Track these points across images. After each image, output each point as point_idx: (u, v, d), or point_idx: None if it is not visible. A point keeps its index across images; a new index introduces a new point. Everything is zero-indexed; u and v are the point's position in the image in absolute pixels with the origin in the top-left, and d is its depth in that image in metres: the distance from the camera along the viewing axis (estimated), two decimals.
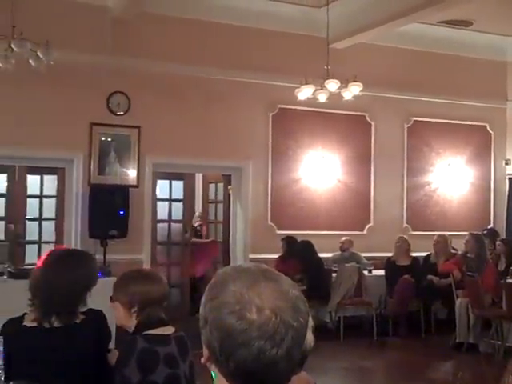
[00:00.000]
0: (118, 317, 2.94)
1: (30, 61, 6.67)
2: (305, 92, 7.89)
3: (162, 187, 9.55)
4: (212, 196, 9.82)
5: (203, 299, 1.30)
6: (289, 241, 8.97)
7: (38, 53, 6.56)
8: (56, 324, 2.92)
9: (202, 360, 1.32)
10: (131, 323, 2.88)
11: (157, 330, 2.80)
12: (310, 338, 2.10)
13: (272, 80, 9.27)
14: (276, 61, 9.28)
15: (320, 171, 9.81)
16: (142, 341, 2.73)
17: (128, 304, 2.87)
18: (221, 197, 10.33)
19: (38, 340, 2.89)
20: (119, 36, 8.57)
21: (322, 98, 7.97)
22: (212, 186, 10.39)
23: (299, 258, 8.75)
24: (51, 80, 7.87)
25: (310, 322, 2.08)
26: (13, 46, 6.38)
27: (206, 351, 1.30)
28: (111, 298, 2.95)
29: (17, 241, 8.61)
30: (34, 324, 2.92)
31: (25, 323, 2.95)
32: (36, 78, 7.55)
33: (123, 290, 2.90)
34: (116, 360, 2.79)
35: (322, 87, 7.86)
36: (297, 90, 7.99)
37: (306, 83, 7.81)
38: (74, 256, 3.25)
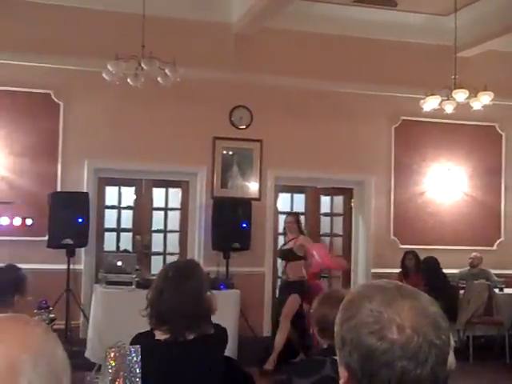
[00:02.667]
0: None
1: (159, 79, 6.91)
2: (430, 103, 7.64)
3: (284, 200, 9.55)
4: (326, 209, 9.69)
5: (338, 319, 1.27)
6: (415, 255, 8.70)
7: (166, 71, 6.79)
8: (190, 336, 2.90)
9: (341, 382, 1.28)
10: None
11: None
12: (451, 358, 1.97)
13: (395, 91, 9.09)
14: (399, 72, 9.06)
15: (445, 184, 9.50)
16: (330, 367, 2.56)
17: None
18: (337, 210, 10.11)
19: (174, 353, 2.88)
20: (242, 51, 8.70)
21: (449, 108, 7.67)
22: (326, 199, 10.20)
23: (424, 273, 8.45)
24: (176, 96, 8.11)
25: (451, 342, 1.96)
26: (143, 65, 6.64)
27: (344, 373, 1.26)
28: None
29: (143, 252, 8.89)
30: (166, 336, 2.91)
31: (157, 337, 2.96)
32: (162, 95, 7.82)
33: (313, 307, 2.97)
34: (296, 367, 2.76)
35: (449, 97, 7.56)
36: (421, 101, 7.75)
37: (432, 94, 7.56)
38: (188, 265, 3.22)
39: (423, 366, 1.17)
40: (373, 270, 9.11)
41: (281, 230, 9.49)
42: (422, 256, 8.62)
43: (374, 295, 1.24)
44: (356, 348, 1.20)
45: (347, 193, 9.70)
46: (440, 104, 7.67)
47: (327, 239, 9.71)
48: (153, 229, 9.08)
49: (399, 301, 1.21)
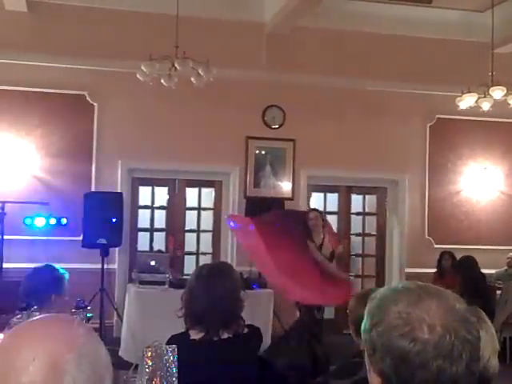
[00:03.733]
0: None
1: (192, 79, 6.93)
2: (467, 101, 7.53)
3: (317, 200, 9.50)
4: (359, 208, 9.61)
5: (365, 326, 1.25)
6: (452, 255, 8.57)
7: (199, 71, 6.80)
8: (224, 335, 2.91)
9: None
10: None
11: None
12: (494, 363, 1.93)
13: (430, 90, 8.99)
14: (435, 69, 8.95)
15: (481, 183, 9.36)
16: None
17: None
18: (369, 209, 10.01)
19: (209, 352, 2.89)
20: (274, 50, 8.68)
21: (486, 106, 7.55)
22: (358, 198, 10.10)
23: (461, 273, 8.31)
24: (209, 96, 8.13)
25: (496, 347, 1.91)
26: (176, 65, 6.67)
27: (377, 380, 1.23)
28: None
29: (176, 252, 8.91)
30: (201, 336, 2.92)
31: (192, 337, 2.97)
32: (196, 95, 7.84)
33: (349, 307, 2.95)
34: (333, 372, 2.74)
35: (486, 95, 7.44)
36: (458, 98, 7.64)
37: (469, 91, 7.44)
38: (222, 267, 3.24)
39: (458, 363, 1.16)
40: (407, 270, 9.02)
41: None
42: (458, 256, 8.49)
43: (399, 297, 1.22)
44: (388, 352, 1.18)
45: (381, 192, 9.61)
46: (477, 101, 7.56)
47: (359, 238, 9.63)
48: (186, 228, 9.11)
49: (425, 300, 1.20)
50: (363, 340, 1.25)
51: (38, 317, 1.13)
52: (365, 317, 1.26)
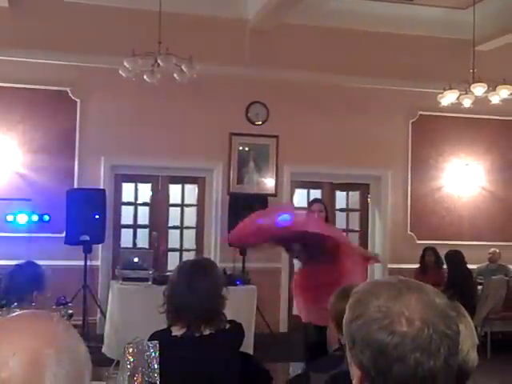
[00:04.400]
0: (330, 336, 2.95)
1: (175, 75, 6.92)
2: (448, 97, 7.59)
3: (300, 196, 9.53)
4: (343, 204, 9.66)
5: (346, 319, 1.26)
6: (435, 251, 8.63)
7: (183, 67, 6.80)
8: (206, 332, 2.91)
9: (354, 381, 1.26)
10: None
11: None
12: (473, 356, 1.95)
13: (412, 86, 9.03)
14: (417, 66, 8.99)
15: (463, 179, 9.43)
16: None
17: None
18: (353, 205, 10.04)
19: (191, 348, 2.89)
20: (258, 47, 8.68)
21: (467, 103, 7.61)
22: (342, 194, 10.13)
23: (449, 267, 8.36)
24: (192, 92, 8.12)
25: (475, 341, 1.94)
26: (159, 61, 6.66)
27: (357, 372, 1.25)
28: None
29: (159, 248, 8.91)
30: (183, 332, 2.92)
31: (174, 333, 2.97)
32: (178, 91, 7.83)
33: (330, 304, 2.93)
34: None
35: (467, 92, 7.51)
36: (439, 95, 7.70)
37: (450, 88, 7.50)
38: (205, 263, 3.24)
39: (436, 357, 1.17)
40: (389, 266, 9.06)
41: None
42: (441, 251, 8.56)
43: (380, 291, 1.23)
44: (367, 345, 1.19)
45: (364, 188, 9.66)
46: (458, 98, 7.62)
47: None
48: (169, 225, 9.10)
49: (405, 294, 1.21)
50: (344, 333, 1.27)
51: (16, 313, 1.13)
52: (346, 310, 1.27)
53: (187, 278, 2.98)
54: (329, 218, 6.24)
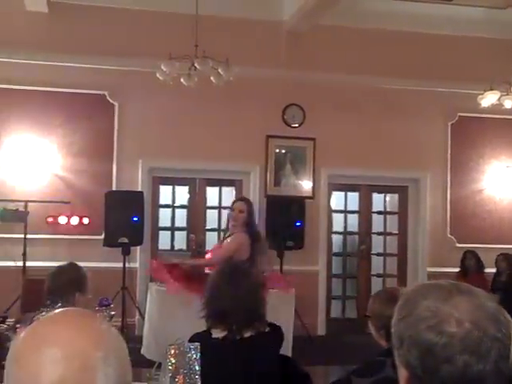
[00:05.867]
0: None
1: (212, 78, 6.93)
2: (489, 98, 7.46)
3: (338, 199, 9.48)
4: (380, 207, 9.55)
5: (394, 320, 1.25)
6: (475, 255, 8.49)
7: (219, 70, 6.80)
8: (246, 334, 2.90)
9: (401, 383, 1.25)
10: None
11: None
12: None
13: (452, 87, 8.91)
14: (456, 67, 8.88)
15: (504, 182, 9.29)
16: (390, 368, 2.45)
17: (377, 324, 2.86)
18: (391, 208, 9.92)
19: (232, 351, 2.88)
20: (294, 49, 8.67)
21: (508, 104, 7.49)
22: (379, 197, 10.03)
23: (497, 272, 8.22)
24: (229, 95, 8.13)
25: None
26: (196, 64, 6.68)
27: (404, 373, 1.23)
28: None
29: (197, 250, 8.93)
30: (224, 334, 2.91)
31: (214, 336, 2.97)
32: (215, 94, 7.84)
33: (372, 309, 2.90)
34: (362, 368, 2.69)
35: (508, 92, 7.38)
36: (479, 96, 7.58)
37: (491, 89, 7.37)
38: (244, 266, 3.25)
39: (486, 360, 1.14)
40: (429, 269, 8.96)
41: (336, 228, 9.42)
42: (481, 255, 8.43)
43: (430, 292, 1.23)
44: (415, 344, 1.18)
45: (402, 191, 9.55)
46: (499, 99, 7.50)
47: (380, 238, 9.57)
48: (207, 227, 9.12)
49: (456, 296, 1.20)
50: (392, 333, 1.26)
51: (61, 309, 1.12)
52: (395, 311, 1.25)
53: (229, 280, 2.97)
54: (251, 218, 5.87)
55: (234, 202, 6.11)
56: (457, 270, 8.46)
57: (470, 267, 8.44)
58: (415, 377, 1.20)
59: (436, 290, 1.23)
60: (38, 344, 1.01)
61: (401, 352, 1.22)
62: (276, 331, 3.07)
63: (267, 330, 2.99)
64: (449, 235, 9.21)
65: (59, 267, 3.57)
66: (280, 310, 6.62)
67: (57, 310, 1.12)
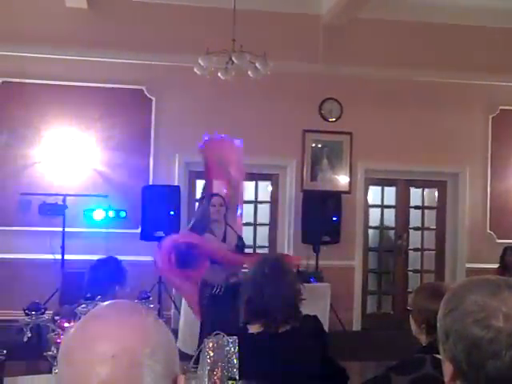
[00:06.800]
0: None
1: (249, 72, 6.92)
2: None
3: (375, 193, 9.39)
4: (418, 202, 9.43)
5: (440, 314, 1.24)
6: None
7: (256, 64, 6.78)
8: (283, 329, 2.91)
9: (446, 379, 1.23)
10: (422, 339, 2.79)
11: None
12: None
13: (493, 80, 8.76)
14: (498, 59, 8.71)
15: None
16: (430, 365, 2.44)
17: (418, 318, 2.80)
18: (429, 203, 9.78)
19: (268, 345, 2.89)
20: (331, 43, 8.62)
21: None
22: (417, 192, 9.90)
23: None
24: (266, 89, 8.12)
25: None
26: (233, 58, 6.67)
27: (449, 368, 1.21)
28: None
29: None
30: (261, 330, 2.92)
31: (251, 331, 2.98)
32: (252, 88, 7.82)
33: (415, 303, 2.84)
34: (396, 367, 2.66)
35: None
36: None
37: None
38: (281, 262, 3.24)
39: None
40: (467, 265, 8.85)
41: (372, 223, 9.34)
42: None
43: (478, 287, 1.21)
44: (461, 338, 1.17)
45: (440, 185, 9.42)
46: None
47: (418, 233, 9.46)
48: (243, 222, 9.11)
49: (504, 291, 1.18)
50: (438, 328, 1.25)
51: (109, 302, 1.12)
52: (441, 305, 1.23)
53: (269, 277, 2.98)
54: (228, 211, 6.10)
55: (212, 197, 6.18)
56: (496, 266, 8.33)
57: (510, 263, 8.29)
58: (460, 372, 1.19)
59: (484, 284, 1.22)
60: (87, 341, 1.01)
61: (446, 346, 1.21)
62: (311, 323, 3.08)
63: (303, 323, 3.00)
64: (488, 231, 9.07)
65: (99, 260, 3.60)
66: (315, 303, 6.62)
67: (104, 303, 1.13)
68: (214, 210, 5.93)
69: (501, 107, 9.01)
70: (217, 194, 6.26)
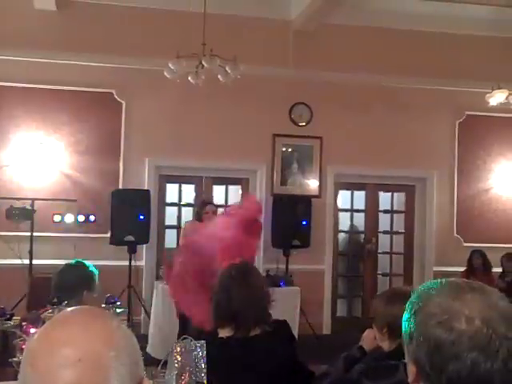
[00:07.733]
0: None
1: (219, 76, 6.92)
2: (497, 97, 7.45)
3: (344, 197, 9.46)
4: (387, 206, 9.52)
5: (405, 315, 1.25)
6: (482, 254, 8.46)
7: (227, 68, 6.80)
8: (252, 333, 2.92)
9: (409, 379, 1.24)
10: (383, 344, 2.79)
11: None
12: None
13: (459, 86, 8.89)
14: (464, 65, 8.85)
15: None
16: (404, 372, 2.43)
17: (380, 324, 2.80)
18: (397, 207, 9.86)
19: (238, 349, 2.89)
20: (301, 48, 8.66)
21: None
22: (386, 196, 9.98)
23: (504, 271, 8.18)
24: (236, 93, 8.11)
25: None
26: (203, 62, 6.68)
27: (412, 369, 1.23)
28: None
29: None
30: (230, 334, 2.92)
31: (220, 335, 2.98)
32: (222, 92, 7.82)
33: (375, 309, 2.86)
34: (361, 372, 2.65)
35: None
36: (487, 95, 7.56)
37: (499, 88, 7.35)
38: (249, 266, 3.26)
39: (494, 358, 1.14)
40: (435, 269, 8.93)
41: (342, 227, 9.38)
42: (488, 255, 8.39)
43: (442, 290, 1.22)
44: (424, 340, 1.18)
45: (409, 189, 9.52)
46: (507, 98, 7.47)
47: (387, 236, 9.54)
48: None
49: (468, 294, 1.19)
50: (402, 330, 1.26)
51: (73, 308, 1.12)
52: (406, 307, 1.25)
53: (239, 281, 2.99)
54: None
55: (204, 206, 6.93)
56: (463, 269, 8.44)
57: (477, 266, 8.41)
58: (423, 373, 1.20)
59: (448, 287, 1.23)
60: (51, 345, 1.02)
61: (410, 348, 1.22)
62: (281, 328, 3.08)
63: (272, 327, 3.00)
64: (455, 234, 9.18)
65: (67, 265, 3.57)
66: (285, 308, 6.60)
67: (68, 309, 1.13)
68: (206, 217, 6.39)
69: (467, 112, 9.14)
70: (210, 202, 6.98)
